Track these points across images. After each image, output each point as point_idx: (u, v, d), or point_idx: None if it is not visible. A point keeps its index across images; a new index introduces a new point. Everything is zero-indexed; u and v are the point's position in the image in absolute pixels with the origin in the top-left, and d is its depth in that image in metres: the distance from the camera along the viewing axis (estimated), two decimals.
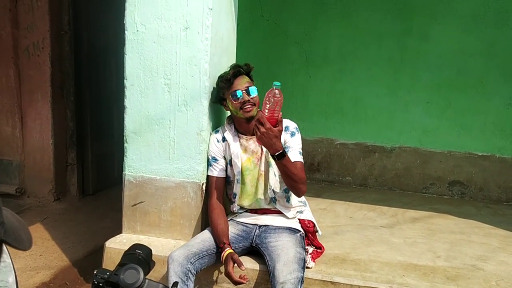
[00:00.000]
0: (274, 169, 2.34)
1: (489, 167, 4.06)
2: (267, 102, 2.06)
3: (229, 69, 2.41)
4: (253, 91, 2.33)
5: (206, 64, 2.47)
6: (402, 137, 4.21)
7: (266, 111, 2.08)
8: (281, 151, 2.12)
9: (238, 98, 2.30)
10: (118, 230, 2.76)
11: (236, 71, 2.35)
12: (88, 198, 4.38)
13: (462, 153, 4.10)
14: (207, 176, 2.50)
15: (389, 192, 4.18)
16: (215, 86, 2.51)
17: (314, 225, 2.44)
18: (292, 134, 2.35)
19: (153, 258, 1.35)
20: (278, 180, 2.36)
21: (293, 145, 2.32)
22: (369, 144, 4.28)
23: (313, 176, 4.38)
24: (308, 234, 2.42)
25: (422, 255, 2.67)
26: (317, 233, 2.48)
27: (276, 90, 2.03)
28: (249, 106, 2.30)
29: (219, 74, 2.60)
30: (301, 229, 2.38)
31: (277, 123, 2.10)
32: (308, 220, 2.42)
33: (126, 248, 1.30)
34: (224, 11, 2.62)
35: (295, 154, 2.30)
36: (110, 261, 2.54)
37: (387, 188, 4.27)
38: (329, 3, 4.20)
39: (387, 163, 4.26)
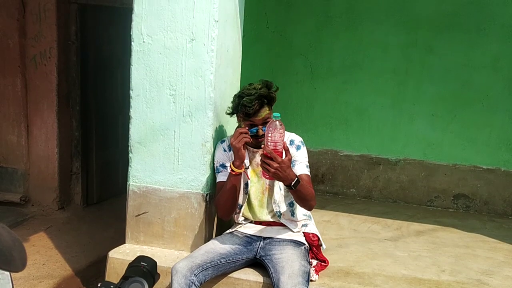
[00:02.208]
0: (279, 183, 2.33)
1: (494, 181, 4.04)
2: (270, 134, 1.99)
3: (253, 93, 2.19)
4: None
5: (211, 75, 2.48)
6: (406, 150, 4.20)
7: (270, 143, 2.00)
8: (296, 179, 2.09)
9: (253, 132, 2.25)
10: (121, 240, 2.75)
11: (260, 102, 2.20)
12: (92, 207, 4.39)
13: (467, 166, 4.08)
14: (217, 182, 2.45)
15: (393, 205, 4.15)
16: (231, 102, 2.36)
17: (319, 238, 2.43)
18: (298, 148, 2.34)
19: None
20: (283, 194, 2.36)
21: (300, 159, 2.31)
22: (373, 156, 4.27)
23: (317, 187, 4.36)
24: (312, 248, 2.40)
25: (427, 269, 2.65)
26: (321, 247, 2.47)
27: (277, 122, 1.98)
28: (262, 139, 2.22)
29: (224, 86, 2.60)
30: (305, 242, 2.37)
31: (284, 152, 2.03)
32: (312, 233, 2.41)
33: (130, 258, 1.30)
34: (230, 23, 2.63)
35: (302, 167, 2.30)
36: (113, 271, 2.53)
37: (392, 201, 4.25)
38: (334, 15, 4.21)
39: (391, 176, 4.24)
